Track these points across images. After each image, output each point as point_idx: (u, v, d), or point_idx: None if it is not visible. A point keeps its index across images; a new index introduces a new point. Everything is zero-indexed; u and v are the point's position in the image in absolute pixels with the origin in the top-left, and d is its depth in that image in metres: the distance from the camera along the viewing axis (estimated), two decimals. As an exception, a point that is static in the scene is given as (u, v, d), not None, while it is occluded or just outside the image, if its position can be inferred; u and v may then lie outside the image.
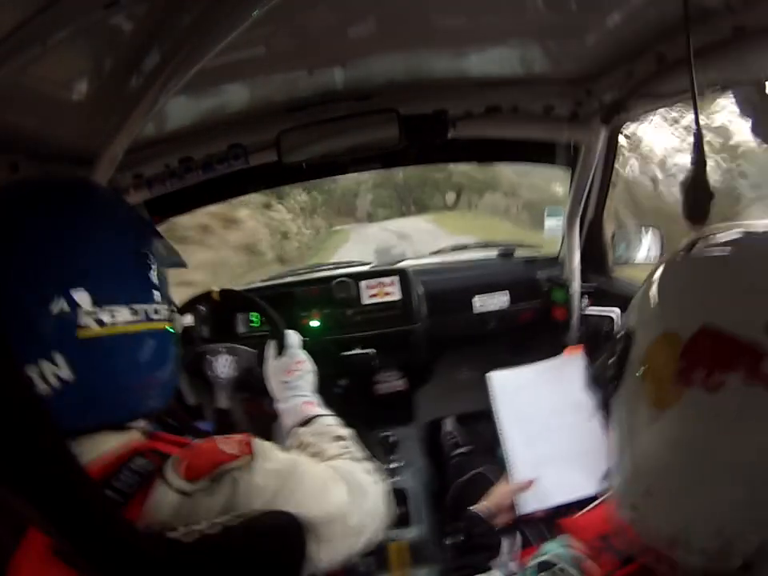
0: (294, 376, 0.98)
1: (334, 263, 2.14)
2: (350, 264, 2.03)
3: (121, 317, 0.60)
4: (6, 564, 0.54)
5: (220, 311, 1.62)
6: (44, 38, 0.63)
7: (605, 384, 0.54)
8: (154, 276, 0.66)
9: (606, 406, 0.53)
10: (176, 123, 1.27)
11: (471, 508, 1.08)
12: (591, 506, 0.75)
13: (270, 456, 0.65)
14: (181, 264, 0.80)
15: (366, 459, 0.85)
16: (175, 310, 0.71)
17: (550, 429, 1.16)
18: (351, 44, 1.06)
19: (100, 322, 0.58)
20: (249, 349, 1.38)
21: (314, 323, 1.70)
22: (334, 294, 1.71)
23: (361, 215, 16.55)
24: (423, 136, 1.35)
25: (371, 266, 1.93)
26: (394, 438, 1.67)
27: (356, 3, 0.90)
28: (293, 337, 1.04)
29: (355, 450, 0.86)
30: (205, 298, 1.36)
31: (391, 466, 1.56)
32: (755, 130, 0.85)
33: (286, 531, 0.58)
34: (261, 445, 0.66)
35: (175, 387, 0.72)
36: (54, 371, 0.56)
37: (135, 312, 0.62)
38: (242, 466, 0.61)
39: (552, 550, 0.59)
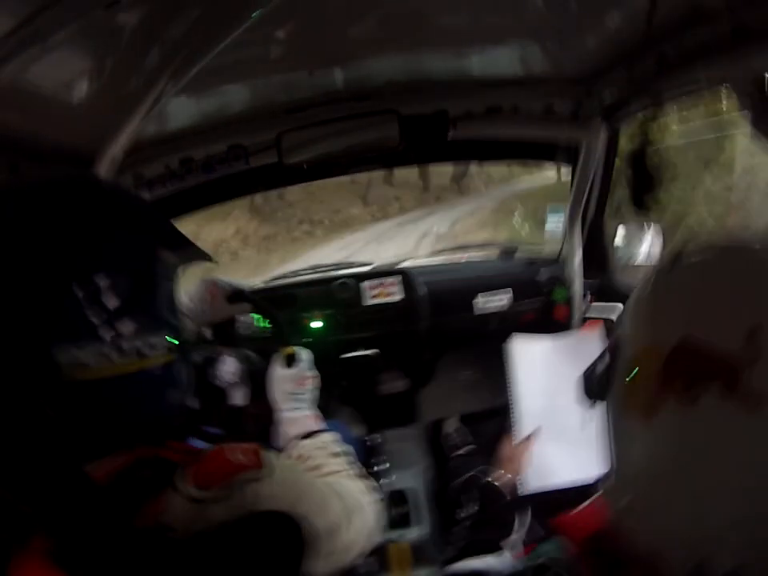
0: (303, 389, 0.99)
1: (335, 264, 2.14)
2: (351, 264, 2.03)
3: (106, 358, 0.54)
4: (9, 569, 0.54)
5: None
6: (44, 38, 0.64)
7: (596, 387, 0.54)
8: (152, 301, 0.59)
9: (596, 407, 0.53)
10: (176, 123, 1.27)
11: (488, 478, 1.04)
12: (587, 502, 0.74)
13: (279, 467, 0.66)
14: (205, 258, 0.73)
15: (364, 477, 0.86)
16: (179, 337, 0.63)
17: (560, 404, 1.15)
18: (351, 44, 1.06)
19: (82, 365, 0.52)
20: (251, 353, 1.39)
21: (316, 324, 1.70)
22: (335, 295, 1.71)
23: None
24: (423, 136, 1.35)
25: (372, 266, 1.93)
26: (379, 440, 1.66)
27: (356, 3, 0.90)
28: (305, 352, 1.05)
29: (352, 469, 0.87)
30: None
31: (378, 468, 1.55)
32: (755, 131, 0.85)
33: (281, 531, 0.58)
34: (269, 456, 0.66)
35: (184, 408, 0.67)
36: (40, 408, 0.52)
37: (123, 350, 0.55)
38: (254, 477, 0.61)
39: (547, 552, 0.58)
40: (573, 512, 0.61)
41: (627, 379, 0.48)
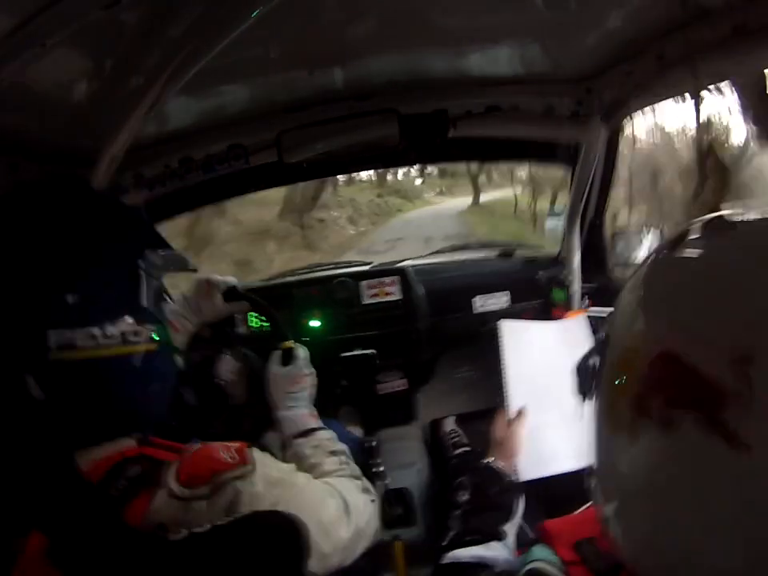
0: (299, 388, 0.99)
1: (334, 263, 2.14)
2: (350, 264, 2.03)
3: (92, 340, 0.57)
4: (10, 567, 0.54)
5: None
6: (44, 38, 0.64)
7: (586, 383, 0.52)
8: (138, 293, 0.63)
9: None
10: (176, 123, 1.27)
11: (484, 461, 1.02)
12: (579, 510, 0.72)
13: (268, 466, 0.66)
14: (187, 268, 0.79)
15: (360, 476, 0.87)
16: (164, 325, 0.68)
17: (552, 390, 1.13)
18: (351, 44, 1.06)
19: (70, 346, 0.56)
20: (250, 352, 1.38)
21: (315, 323, 1.70)
22: (334, 294, 1.71)
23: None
24: (423, 135, 1.35)
25: (371, 265, 1.93)
26: (374, 442, 1.66)
27: (356, 3, 0.90)
28: (302, 350, 1.04)
29: (351, 467, 0.87)
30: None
31: (376, 467, 1.55)
32: (757, 131, 0.85)
33: (278, 530, 0.58)
34: (258, 454, 0.67)
35: (167, 403, 0.70)
36: (27, 390, 0.55)
37: (108, 335, 0.58)
38: (242, 475, 0.61)
39: (540, 556, 0.57)
40: (563, 518, 0.61)
41: (605, 387, 0.44)
